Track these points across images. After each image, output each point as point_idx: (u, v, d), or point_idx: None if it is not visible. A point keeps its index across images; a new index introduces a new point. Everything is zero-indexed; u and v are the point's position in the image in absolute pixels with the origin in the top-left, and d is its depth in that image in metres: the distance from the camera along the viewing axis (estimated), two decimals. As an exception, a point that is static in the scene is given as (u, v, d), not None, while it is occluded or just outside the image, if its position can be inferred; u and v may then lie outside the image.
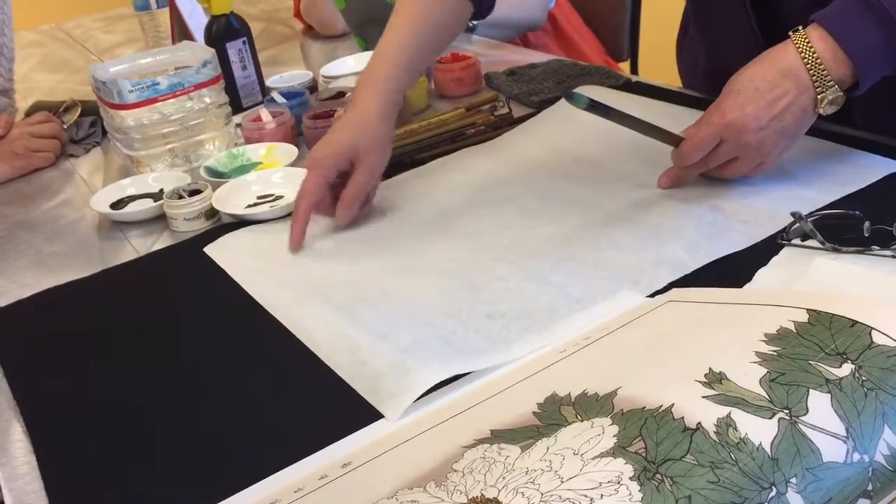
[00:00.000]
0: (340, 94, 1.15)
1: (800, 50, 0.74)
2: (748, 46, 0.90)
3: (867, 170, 0.81)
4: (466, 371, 0.62)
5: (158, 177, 1.03)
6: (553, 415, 0.51)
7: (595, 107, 0.78)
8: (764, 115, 0.75)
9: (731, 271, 0.69)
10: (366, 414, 0.60)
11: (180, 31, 1.40)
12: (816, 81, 0.74)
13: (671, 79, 1.15)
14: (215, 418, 0.63)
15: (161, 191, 0.99)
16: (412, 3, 0.92)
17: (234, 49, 1.23)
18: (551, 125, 1.04)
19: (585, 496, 0.42)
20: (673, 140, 0.81)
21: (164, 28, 1.57)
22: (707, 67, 1.05)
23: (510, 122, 1.06)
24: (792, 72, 0.74)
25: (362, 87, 0.88)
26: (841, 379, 0.46)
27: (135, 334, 0.75)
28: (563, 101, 1.07)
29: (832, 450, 0.43)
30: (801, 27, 0.75)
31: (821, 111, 0.75)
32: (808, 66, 0.73)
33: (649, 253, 0.74)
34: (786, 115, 0.75)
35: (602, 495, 0.41)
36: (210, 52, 1.10)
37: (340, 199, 0.85)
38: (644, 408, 0.47)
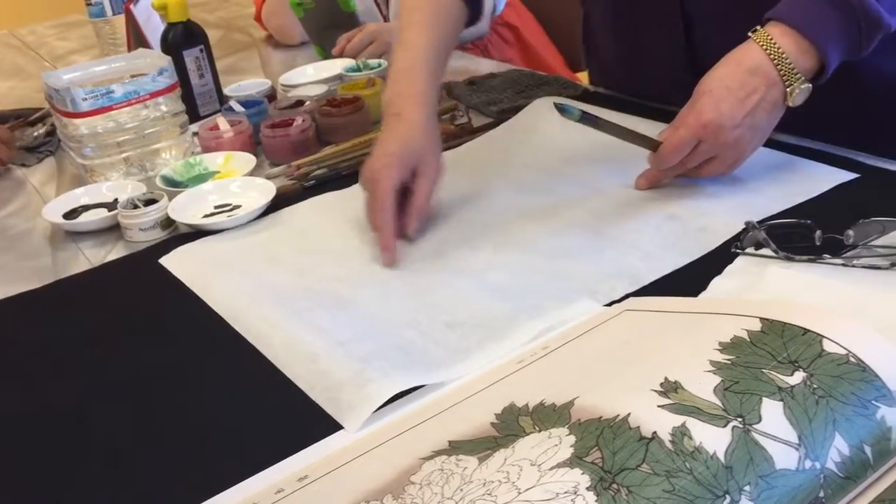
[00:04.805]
0: (299, 102, 1.14)
1: (764, 47, 0.76)
2: (669, 27, 0.94)
3: (818, 179, 0.83)
4: (425, 384, 0.62)
5: (113, 186, 1.01)
6: (511, 425, 0.51)
7: (587, 118, 0.80)
8: (738, 112, 0.77)
9: (687, 279, 0.70)
10: (324, 425, 0.59)
11: (136, 39, 1.39)
12: (784, 75, 0.76)
13: (628, 89, 1.16)
14: (169, 431, 0.62)
15: (115, 200, 0.97)
16: (420, 15, 0.92)
17: (191, 57, 1.21)
18: (510, 136, 1.04)
19: (542, 507, 0.42)
20: (652, 144, 0.83)
21: (120, 35, 1.55)
22: (619, 55, 1.07)
23: (469, 132, 1.07)
24: (760, 69, 0.77)
25: (401, 98, 0.87)
26: (793, 387, 0.47)
27: (88, 347, 0.74)
28: (521, 112, 1.08)
29: (784, 457, 0.44)
30: (758, 27, 0.78)
31: (790, 104, 0.78)
32: (775, 61, 0.76)
33: (607, 264, 0.74)
34: (758, 111, 0.77)
35: (559, 506, 0.41)
36: (166, 60, 1.09)
37: (411, 209, 0.82)
38: (601, 417, 0.47)
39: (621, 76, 1.11)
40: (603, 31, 1.10)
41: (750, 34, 0.78)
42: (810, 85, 0.77)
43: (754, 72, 0.77)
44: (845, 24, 0.75)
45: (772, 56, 0.76)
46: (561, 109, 0.79)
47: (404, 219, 0.82)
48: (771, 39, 0.76)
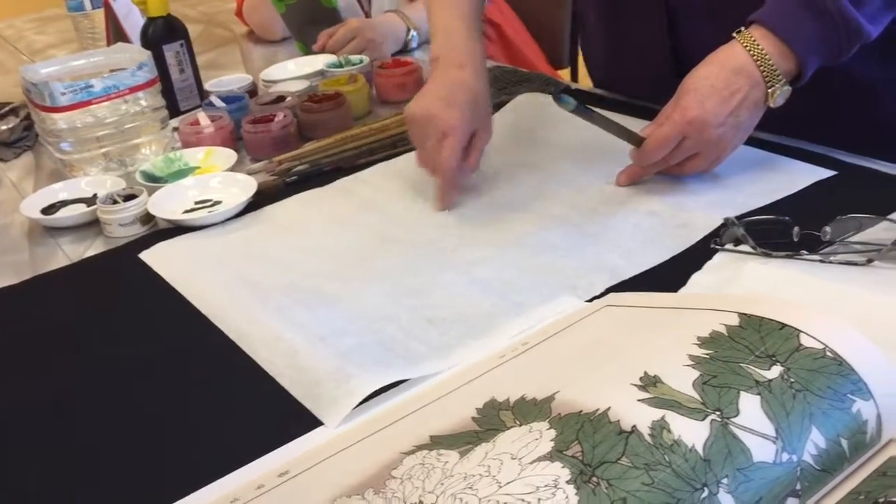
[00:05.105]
0: (281, 98, 1.14)
1: (747, 48, 0.78)
2: (653, 22, 0.95)
3: (796, 176, 0.84)
4: (406, 378, 0.62)
5: (92, 181, 1.01)
6: (492, 420, 0.51)
7: (581, 109, 0.81)
8: (722, 110, 0.78)
9: (666, 275, 0.71)
10: (304, 421, 0.59)
11: (115, 33, 1.38)
12: (767, 76, 0.78)
13: (610, 86, 1.17)
14: (151, 427, 0.61)
15: (94, 196, 0.97)
16: None
17: (171, 51, 1.21)
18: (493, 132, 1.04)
19: (523, 500, 0.42)
20: (636, 140, 0.83)
21: (99, 29, 1.54)
22: (607, 50, 1.08)
23: (451, 128, 1.06)
24: (744, 69, 0.78)
25: (461, 54, 0.89)
26: (770, 381, 0.47)
27: (67, 343, 0.73)
28: (504, 109, 1.09)
29: (762, 450, 0.44)
30: (742, 28, 0.79)
31: (771, 104, 0.79)
32: (758, 62, 0.77)
33: (588, 259, 0.75)
34: (741, 110, 0.79)
35: (539, 499, 0.42)
36: (146, 55, 1.09)
37: (466, 164, 0.87)
38: (581, 411, 0.47)
39: (609, 71, 1.11)
40: (594, 25, 1.11)
41: (734, 35, 0.79)
42: (790, 87, 0.79)
43: (738, 71, 0.78)
44: (824, 30, 0.76)
45: (755, 57, 0.77)
46: (557, 99, 0.80)
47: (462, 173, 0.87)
48: (754, 41, 0.78)
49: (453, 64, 0.88)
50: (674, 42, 0.97)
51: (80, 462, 0.59)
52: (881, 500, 0.44)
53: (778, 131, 0.90)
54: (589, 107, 0.83)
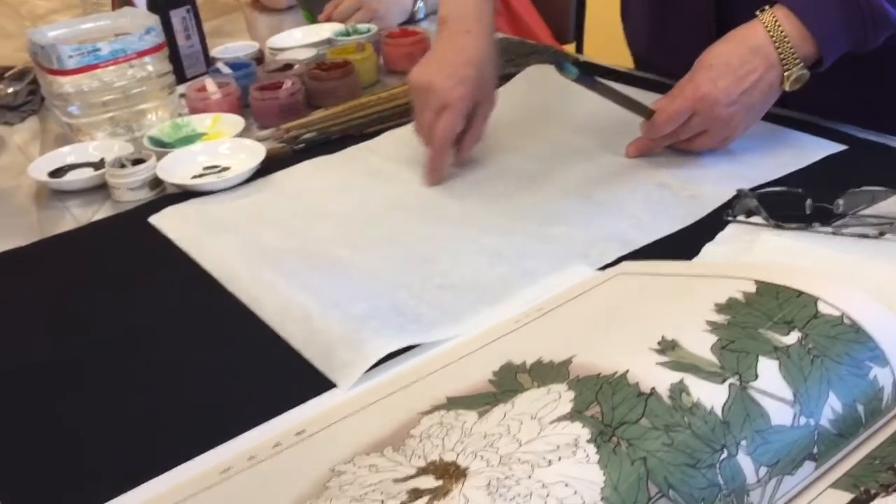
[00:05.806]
0: (288, 65, 1.13)
1: (768, 28, 0.77)
2: (700, 14, 0.92)
3: (807, 151, 0.83)
4: (419, 342, 0.62)
5: (99, 146, 1.00)
6: (509, 382, 0.51)
7: (583, 79, 0.81)
8: (735, 89, 0.77)
9: (679, 246, 0.71)
10: (316, 384, 0.59)
11: (121, -2, 1.36)
12: (784, 59, 0.77)
13: (616, 60, 1.16)
14: (167, 388, 0.62)
15: (102, 160, 0.96)
16: None
17: (177, 17, 1.20)
18: (502, 104, 1.04)
19: (544, 458, 0.42)
20: (646, 112, 0.83)
21: (103, -5, 1.52)
22: (650, 26, 1.06)
23: (460, 99, 1.06)
24: (761, 49, 0.77)
25: (468, 19, 0.86)
26: (788, 346, 0.48)
27: (77, 305, 0.73)
28: (513, 80, 1.08)
29: (780, 414, 0.45)
30: (766, 7, 0.78)
31: (786, 88, 0.78)
32: (777, 43, 0.76)
33: (599, 229, 0.75)
34: (754, 90, 0.78)
35: (560, 457, 0.42)
36: (153, 19, 1.08)
37: (468, 137, 0.86)
38: (599, 374, 0.47)
39: (651, 44, 1.08)
40: (635, 15, 1.08)
41: (757, 13, 0.78)
42: (807, 72, 0.78)
43: (756, 51, 0.77)
44: (848, 17, 0.75)
45: (774, 39, 0.76)
46: (560, 67, 0.79)
47: (457, 145, 0.86)
48: (776, 21, 0.76)
49: (460, 30, 0.86)
50: (722, 22, 0.93)
51: (90, 423, 0.59)
52: (896, 464, 0.45)
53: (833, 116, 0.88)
54: (590, 76, 0.82)
